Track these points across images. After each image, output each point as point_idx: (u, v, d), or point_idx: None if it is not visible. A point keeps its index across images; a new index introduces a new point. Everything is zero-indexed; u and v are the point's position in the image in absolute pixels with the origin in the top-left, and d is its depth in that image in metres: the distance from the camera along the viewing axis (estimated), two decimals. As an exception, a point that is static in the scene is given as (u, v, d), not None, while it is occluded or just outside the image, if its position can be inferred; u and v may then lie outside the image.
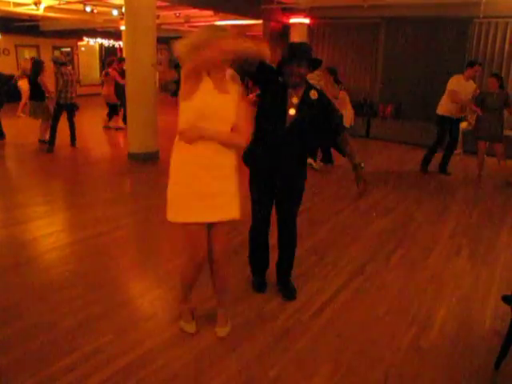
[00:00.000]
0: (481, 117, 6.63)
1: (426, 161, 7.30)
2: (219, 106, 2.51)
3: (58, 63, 8.26)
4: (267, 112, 3.06)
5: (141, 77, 7.31)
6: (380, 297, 3.44)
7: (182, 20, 13.28)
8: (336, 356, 2.73)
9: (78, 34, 17.88)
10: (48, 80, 8.45)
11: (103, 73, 10.82)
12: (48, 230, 4.60)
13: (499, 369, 2.62)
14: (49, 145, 8.09)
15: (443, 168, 7.22)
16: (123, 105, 9.44)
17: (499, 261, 4.14)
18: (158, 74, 8.41)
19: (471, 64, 6.87)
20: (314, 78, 6.73)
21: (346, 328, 3.01)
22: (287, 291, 3.36)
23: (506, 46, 9.54)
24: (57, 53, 16.46)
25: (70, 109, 8.36)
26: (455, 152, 7.65)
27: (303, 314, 3.14)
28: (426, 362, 2.71)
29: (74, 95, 8.24)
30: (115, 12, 11.68)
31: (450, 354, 2.80)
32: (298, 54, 2.94)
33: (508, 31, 9.51)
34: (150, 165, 7.30)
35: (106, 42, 19.51)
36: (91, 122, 11.33)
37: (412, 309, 3.27)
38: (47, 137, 8.35)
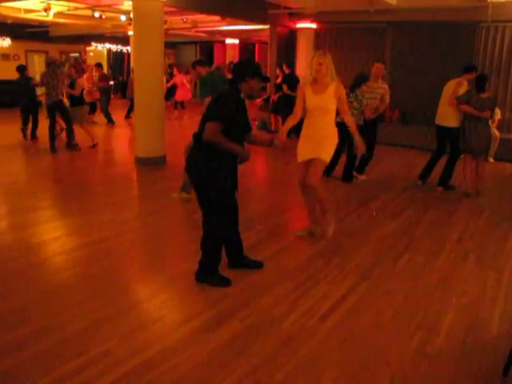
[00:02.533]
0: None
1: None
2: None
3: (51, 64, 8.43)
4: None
5: (148, 81, 7.37)
6: (386, 301, 3.43)
7: (189, 25, 13.39)
8: (342, 361, 2.73)
9: (86, 39, 18.08)
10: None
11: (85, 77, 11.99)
12: (56, 234, 4.64)
13: (508, 375, 2.60)
14: (51, 148, 8.23)
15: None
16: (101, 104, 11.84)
17: (507, 266, 4.12)
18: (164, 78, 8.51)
19: (470, 69, 6.48)
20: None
21: (352, 333, 3.01)
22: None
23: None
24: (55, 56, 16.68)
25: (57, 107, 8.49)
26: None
27: (310, 319, 3.14)
28: (432, 367, 2.70)
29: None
30: (123, 17, 11.80)
31: (457, 359, 2.78)
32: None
33: (516, 35, 9.48)
34: (156, 169, 7.34)
35: (114, 47, 19.69)
36: (102, 125, 11.41)
37: (419, 314, 3.26)
38: (95, 140, 8.72)
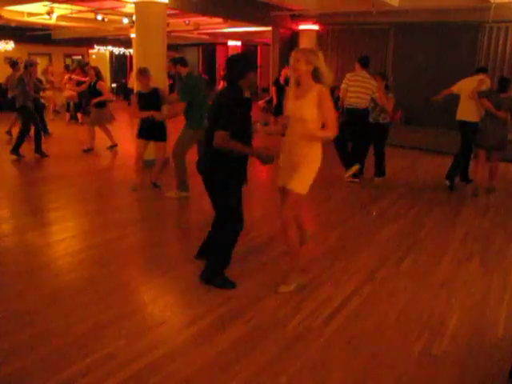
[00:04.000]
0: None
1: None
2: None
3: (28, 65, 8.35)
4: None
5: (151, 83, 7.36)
6: (391, 303, 3.42)
7: (191, 27, 13.43)
8: (347, 363, 2.72)
9: (89, 42, 18.16)
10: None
11: (67, 78, 12.19)
12: (60, 237, 4.65)
13: (514, 377, 2.59)
14: (41, 155, 8.07)
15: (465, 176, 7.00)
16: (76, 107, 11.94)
17: (511, 267, 4.10)
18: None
19: (483, 70, 6.78)
20: (370, 88, 6.56)
21: (357, 334, 3.00)
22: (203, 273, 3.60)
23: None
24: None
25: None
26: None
27: (315, 320, 3.13)
28: (438, 369, 2.69)
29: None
30: (126, 20, 11.84)
31: (462, 361, 2.77)
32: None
33: (518, 36, 9.47)
34: (160, 171, 7.32)
35: (117, 50, 19.75)
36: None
37: (424, 315, 3.25)
38: (113, 140, 8.79)
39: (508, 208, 5.97)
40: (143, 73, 5.87)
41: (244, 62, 3.34)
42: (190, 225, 5.12)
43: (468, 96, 6.45)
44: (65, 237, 4.64)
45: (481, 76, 6.59)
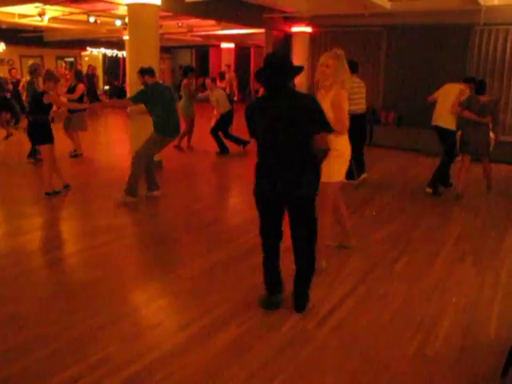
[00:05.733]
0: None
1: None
2: None
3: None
4: None
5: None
6: (384, 305, 3.43)
7: (184, 29, 13.42)
8: (341, 365, 2.73)
9: (81, 44, 18.07)
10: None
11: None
12: (52, 240, 4.62)
13: (506, 376, 2.60)
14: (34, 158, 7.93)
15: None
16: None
17: (504, 266, 4.13)
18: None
19: (471, 81, 6.58)
20: (364, 92, 6.57)
21: (350, 336, 3.01)
22: (295, 302, 3.26)
23: (508, 53, 9.58)
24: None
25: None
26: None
27: (308, 323, 3.13)
28: (431, 369, 2.70)
29: None
30: (118, 22, 11.80)
31: (455, 361, 2.79)
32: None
33: (509, 38, 9.55)
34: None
35: (110, 52, 19.69)
36: (96, 132, 11.39)
37: (417, 316, 3.26)
38: (80, 149, 8.48)
39: (499, 208, 6.02)
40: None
41: (290, 61, 3.02)
42: (185, 229, 5.10)
43: (448, 109, 6.33)
44: (57, 240, 4.62)
45: (461, 86, 6.43)
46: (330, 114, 3.40)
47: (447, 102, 6.39)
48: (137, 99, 5.80)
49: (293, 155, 2.95)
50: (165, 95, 5.82)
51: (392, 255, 4.33)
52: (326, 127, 3.02)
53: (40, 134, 5.90)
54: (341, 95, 3.55)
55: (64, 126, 8.37)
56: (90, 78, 14.40)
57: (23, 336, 2.91)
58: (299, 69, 2.98)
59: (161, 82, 6.14)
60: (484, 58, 9.86)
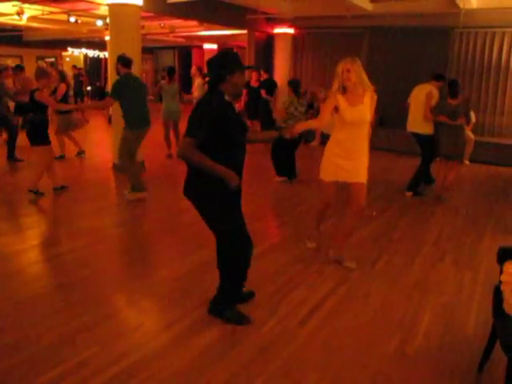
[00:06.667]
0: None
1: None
2: None
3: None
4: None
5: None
6: (365, 304, 3.46)
7: (166, 30, 13.34)
8: (323, 364, 2.74)
9: (62, 44, 17.82)
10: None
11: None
12: (32, 243, 4.55)
13: (482, 371, 2.66)
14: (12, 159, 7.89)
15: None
16: None
17: (482, 265, 4.20)
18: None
19: (440, 78, 6.61)
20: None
21: (332, 336, 3.03)
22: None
23: (486, 55, 9.77)
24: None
25: None
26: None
27: (290, 322, 3.14)
28: (412, 367, 2.74)
29: None
30: (100, 22, 11.66)
31: (435, 358, 2.83)
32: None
33: (487, 41, 9.75)
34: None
35: (91, 53, 19.47)
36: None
37: (397, 315, 3.30)
38: (80, 146, 8.45)
39: (478, 208, 6.12)
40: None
41: (226, 62, 2.85)
42: (166, 230, 5.07)
43: (421, 115, 6.35)
44: (37, 243, 4.56)
45: (428, 87, 6.43)
46: (369, 114, 3.83)
47: (419, 105, 6.43)
48: (115, 93, 5.69)
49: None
50: (132, 87, 5.73)
51: (373, 255, 4.37)
52: (187, 133, 2.76)
53: (38, 134, 5.74)
54: (375, 97, 3.91)
55: (56, 131, 8.14)
56: (78, 79, 14.11)
57: (1, 340, 2.86)
58: (223, 75, 2.81)
59: (134, 74, 6.01)
60: (464, 59, 10.04)
